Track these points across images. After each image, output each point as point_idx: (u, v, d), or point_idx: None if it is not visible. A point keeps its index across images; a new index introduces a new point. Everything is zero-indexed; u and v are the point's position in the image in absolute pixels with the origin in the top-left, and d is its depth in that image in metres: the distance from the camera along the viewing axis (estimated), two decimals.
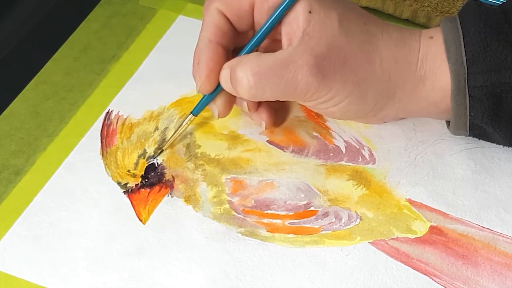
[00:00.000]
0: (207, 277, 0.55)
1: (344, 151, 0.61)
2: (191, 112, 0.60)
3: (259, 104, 0.61)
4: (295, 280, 0.54)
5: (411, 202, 0.58)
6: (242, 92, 0.56)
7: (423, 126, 0.62)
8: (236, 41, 0.59)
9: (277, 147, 0.62)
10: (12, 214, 0.58)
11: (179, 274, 0.55)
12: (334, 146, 0.62)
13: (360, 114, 0.59)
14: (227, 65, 0.57)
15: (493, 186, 0.58)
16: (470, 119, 0.56)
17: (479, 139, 0.58)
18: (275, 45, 0.59)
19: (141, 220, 0.58)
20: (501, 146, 0.60)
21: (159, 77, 0.66)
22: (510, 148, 0.60)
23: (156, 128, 0.63)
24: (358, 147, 0.61)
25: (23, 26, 0.71)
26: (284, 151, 0.61)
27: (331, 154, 0.61)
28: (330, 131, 0.62)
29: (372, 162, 0.61)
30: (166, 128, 0.63)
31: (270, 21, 0.56)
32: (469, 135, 0.58)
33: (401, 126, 0.62)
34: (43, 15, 0.72)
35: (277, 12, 0.56)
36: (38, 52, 0.69)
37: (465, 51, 0.54)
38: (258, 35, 0.57)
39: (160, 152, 0.61)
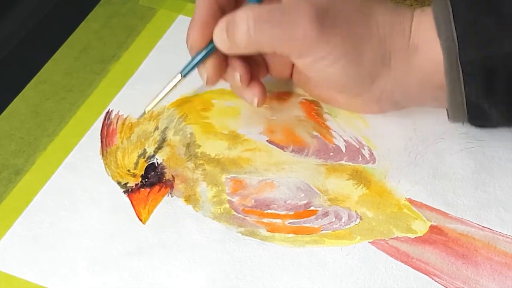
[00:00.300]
0: (207, 277, 0.55)
1: (344, 151, 0.61)
2: (180, 72, 0.59)
3: (251, 78, 0.60)
4: (295, 280, 0.54)
5: (411, 201, 0.58)
6: (240, 37, 0.55)
7: (423, 125, 0.62)
8: (235, 7, 0.58)
9: (277, 146, 0.62)
10: (12, 214, 0.58)
11: (179, 274, 0.55)
12: (334, 145, 0.62)
13: (357, 80, 0.57)
14: (223, 20, 0.56)
15: (493, 185, 0.58)
16: (465, 96, 0.56)
17: (479, 125, 0.58)
18: None
19: (141, 220, 0.58)
20: (501, 146, 0.60)
21: (159, 77, 0.66)
22: (510, 147, 0.60)
23: (156, 128, 0.63)
24: (358, 147, 0.61)
25: (23, 26, 0.71)
26: (284, 151, 0.61)
27: (331, 154, 0.61)
28: (330, 130, 0.62)
29: (372, 161, 0.61)
30: (166, 128, 0.63)
31: None
32: (468, 120, 0.57)
33: (401, 125, 0.62)
34: (43, 15, 0.72)
35: None
36: (38, 52, 0.69)
37: (455, 28, 0.55)
38: None
39: (143, 114, 0.61)
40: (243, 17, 0.55)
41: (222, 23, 0.56)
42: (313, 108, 0.64)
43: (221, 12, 0.58)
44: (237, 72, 0.59)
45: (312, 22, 0.55)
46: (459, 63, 0.55)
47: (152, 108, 0.61)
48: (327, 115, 0.63)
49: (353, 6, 0.56)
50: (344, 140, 0.62)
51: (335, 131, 0.62)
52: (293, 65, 0.62)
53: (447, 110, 0.59)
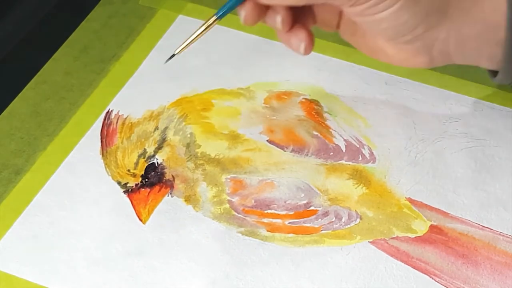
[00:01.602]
0: (207, 277, 0.55)
1: (344, 150, 0.61)
2: (215, 14, 0.55)
3: (293, 23, 0.56)
4: (295, 280, 0.54)
5: (411, 201, 0.58)
6: None
7: (423, 125, 0.62)
8: None
9: (277, 146, 0.62)
10: (12, 214, 0.58)
11: (179, 274, 0.55)
12: (334, 145, 0.62)
13: (411, 23, 0.54)
14: None
15: (493, 185, 0.58)
16: None
17: None
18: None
19: (141, 220, 0.58)
20: (501, 145, 0.60)
21: (159, 77, 0.66)
22: (510, 146, 0.60)
23: (156, 128, 0.63)
24: (358, 146, 0.61)
25: (23, 26, 0.71)
26: (284, 151, 0.61)
27: (331, 153, 0.61)
28: (330, 130, 0.62)
29: (372, 161, 0.60)
30: (166, 128, 0.63)
31: None
32: None
33: (401, 125, 0.62)
34: (43, 15, 0.72)
35: None
36: (38, 52, 0.69)
37: None
38: None
39: (172, 57, 0.57)
40: None
41: None
42: (313, 107, 0.64)
43: None
44: (278, 15, 0.55)
45: None
46: None
47: (182, 50, 0.56)
48: (327, 114, 0.63)
49: None
50: (344, 140, 0.62)
51: (335, 131, 0.62)
52: (340, 15, 0.59)
53: (491, 72, 0.56)
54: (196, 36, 0.56)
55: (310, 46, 0.57)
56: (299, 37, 0.56)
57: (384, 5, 0.53)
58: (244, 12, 0.54)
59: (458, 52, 0.57)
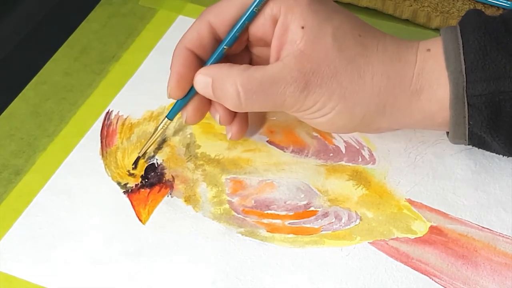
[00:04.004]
0: (207, 277, 0.55)
1: (344, 151, 0.61)
2: (166, 116, 0.60)
3: (233, 117, 0.60)
4: (295, 280, 0.54)
5: (411, 202, 0.58)
6: (229, 104, 0.56)
7: None
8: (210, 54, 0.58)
9: (277, 147, 0.62)
10: (12, 214, 0.58)
11: (179, 274, 0.55)
12: (334, 146, 0.62)
13: (349, 126, 0.57)
14: (206, 73, 0.56)
15: (493, 186, 0.59)
16: (469, 128, 0.55)
17: (478, 148, 0.57)
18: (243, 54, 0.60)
19: (141, 220, 0.58)
20: None
21: (159, 77, 0.66)
22: None
23: (156, 128, 0.63)
24: (358, 147, 0.61)
25: (23, 26, 0.71)
26: (284, 151, 0.61)
27: (331, 154, 0.61)
28: None
29: (372, 162, 0.61)
30: (166, 128, 0.63)
31: (236, 28, 0.56)
32: (468, 144, 0.57)
33: None
34: (43, 15, 0.72)
35: (241, 20, 0.56)
36: (38, 52, 0.69)
37: (464, 59, 0.54)
38: (227, 40, 0.57)
39: (137, 160, 0.61)
40: (232, 85, 0.55)
41: (205, 77, 0.56)
42: None
43: (198, 61, 0.58)
44: (217, 114, 0.59)
45: (300, 90, 0.54)
46: (465, 95, 0.54)
47: (144, 153, 0.61)
48: None
49: (346, 58, 0.55)
50: (344, 141, 0.62)
51: None
52: None
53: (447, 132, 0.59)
54: (156, 138, 0.61)
55: (236, 138, 0.61)
56: (232, 129, 0.60)
57: (320, 113, 0.56)
58: (185, 115, 0.59)
59: (404, 128, 0.61)
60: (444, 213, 0.57)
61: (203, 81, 0.57)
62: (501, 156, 0.59)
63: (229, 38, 0.57)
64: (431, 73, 0.55)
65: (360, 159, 0.61)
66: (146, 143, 0.61)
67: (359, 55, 0.55)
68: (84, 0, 0.73)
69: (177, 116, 0.63)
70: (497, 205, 0.58)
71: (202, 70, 0.57)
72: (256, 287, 0.54)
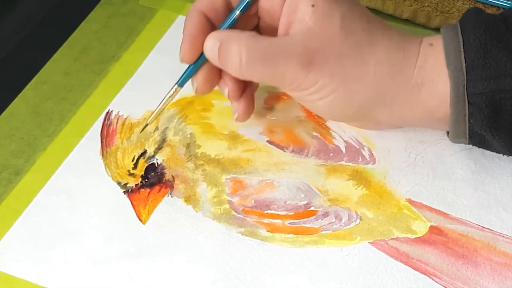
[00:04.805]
0: (207, 277, 0.55)
1: (344, 151, 0.61)
2: (177, 83, 0.60)
3: (242, 92, 0.60)
4: (295, 280, 0.54)
5: (411, 202, 0.58)
6: (231, 68, 0.56)
7: None
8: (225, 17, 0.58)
9: (277, 147, 0.62)
10: (12, 214, 0.58)
11: (179, 274, 0.55)
12: (334, 146, 0.62)
13: (347, 113, 0.58)
14: (215, 37, 0.56)
15: (493, 186, 0.59)
16: (469, 127, 0.55)
17: (478, 147, 0.57)
18: (253, 22, 0.59)
19: (141, 220, 0.58)
20: None
21: (159, 77, 0.66)
22: None
23: (156, 128, 0.63)
24: (358, 147, 0.61)
25: (23, 26, 0.71)
26: (284, 151, 0.61)
27: (331, 154, 0.61)
28: (330, 131, 0.62)
29: (372, 162, 0.61)
30: (166, 128, 0.63)
31: None
32: (468, 143, 0.57)
33: None
34: (43, 15, 0.72)
35: None
36: (38, 52, 0.69)
37: (464, 58, 0.54)
38: (239, 8, 0.57)
39: (145, 126, 0.61)
40: (236, 49, 0.55)
41: (214, 40, 0.56)
42: None
43: (210, 25, 0.58)
44: (226, 88, 0.59)
45: (302, 67, 0.54)
46: (465, 94, 0.54)
47: (153, 120, 0.61)
48: None
49: (352, 43, 0.55)
50: (344, 141, 0.62)
51: (335, 132, 0.62)
52: None
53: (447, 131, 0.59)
54: (164, 105, 0.60)
55: (243, 118, 0.61)
56: (237, 107, 0.60)
57: (319, 94, 0.56)
58: (195, 83, 0.59)
59: (404, 125, 0.61)
60: (444, 213, 0.57)
61: (212, 43, 0.56)
62: (501, 155, 0.59)
63: (243, 4, 0.57)
64: (432, 68, 0.55)
65: (360, 159, 0.61)
66: (155, 110, 0.60)
67: (365, 42, 0.55)
68: (84, 0, 0.73)
69: (177, 116, 0.63)
70: (497, 205, 0.58)
71: (212, 34, 0.57)
72: (256, 287, 0.54)
